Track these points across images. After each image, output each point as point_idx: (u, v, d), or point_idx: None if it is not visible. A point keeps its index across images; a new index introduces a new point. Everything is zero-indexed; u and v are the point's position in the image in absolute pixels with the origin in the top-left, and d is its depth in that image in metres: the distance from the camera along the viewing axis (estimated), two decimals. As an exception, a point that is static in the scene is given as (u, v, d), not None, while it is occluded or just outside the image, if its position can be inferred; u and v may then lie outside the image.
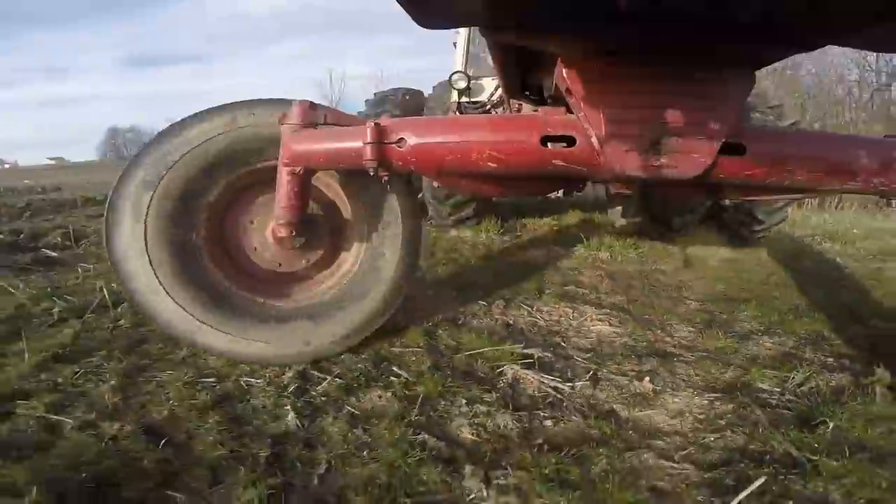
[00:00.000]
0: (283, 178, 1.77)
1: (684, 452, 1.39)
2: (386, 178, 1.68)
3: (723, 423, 1.54)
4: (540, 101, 2.42)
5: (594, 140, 1.37)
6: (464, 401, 1.62)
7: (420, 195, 4.77)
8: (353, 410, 1.57)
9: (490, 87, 4.69)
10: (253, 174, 1.90)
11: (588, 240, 3.91)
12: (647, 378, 1.80)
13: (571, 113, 1.55)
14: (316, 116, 1.79)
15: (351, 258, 2.15)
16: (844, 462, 1.30)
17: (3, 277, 2.65)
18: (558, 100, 1.73)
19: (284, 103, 1.85)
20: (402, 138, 1.58)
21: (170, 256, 1.78)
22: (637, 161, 1.34)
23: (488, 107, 4.62)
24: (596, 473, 1.29)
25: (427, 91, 5.72)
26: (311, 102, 1.80)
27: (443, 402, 1.62)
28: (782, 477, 1.26)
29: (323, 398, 1.64)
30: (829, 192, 1.68)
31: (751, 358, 2.01)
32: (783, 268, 3.26)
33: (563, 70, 1.33)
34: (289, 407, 1.55)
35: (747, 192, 1.82)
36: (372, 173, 1.63)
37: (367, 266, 2.12)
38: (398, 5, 1.00)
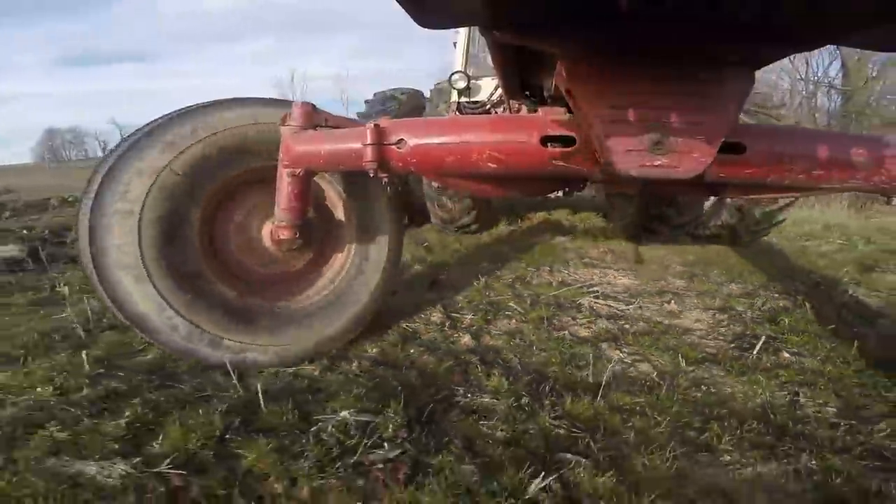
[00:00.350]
0: (284, 179, 1.78)
1: (710, 337, 2.41)
2: (385, 179, 1.69)
3: (725, 324, 2.57)
4: (540, 101, 2.42)
5: (594, 140, 1.38)
6: (569, 317, 2.58)
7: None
8: (500, 332, 2.38)
9: (490, 87, 4.69)
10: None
11: (577, 228, 5.14)
12: (671, 303, 2.86)
13: (571, 113, 1.55)
14: (317, 118, 1.79)
15: (340, 260, 2.18)
16: (800, 336, 2.37)
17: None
18: (558, 100, 1.73)
19: (285, 104, 1.86)
20: (401, 139, 1.58)
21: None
22: (637, 161, 1.34)
23: (488, 107, 4.61)
24: (667, 346, 2.24)
25: (426, 91, 5.72)
26: (312, 104, 1.80)
27: (556, 319, 2.55)
28: (771, 342, 2.28)
29: (473, 327, 2.43)
30: (829, 190, 1.68)
31: (727, 294, 3.07)
32: (732, 249, 4.39)
33: (563, 70, 1.33)
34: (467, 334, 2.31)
35: (747, 190, 1.82)
36: (372, 174, 1.63)
37: (356, 269, 2.16)
38: (389, 6, 1.00)
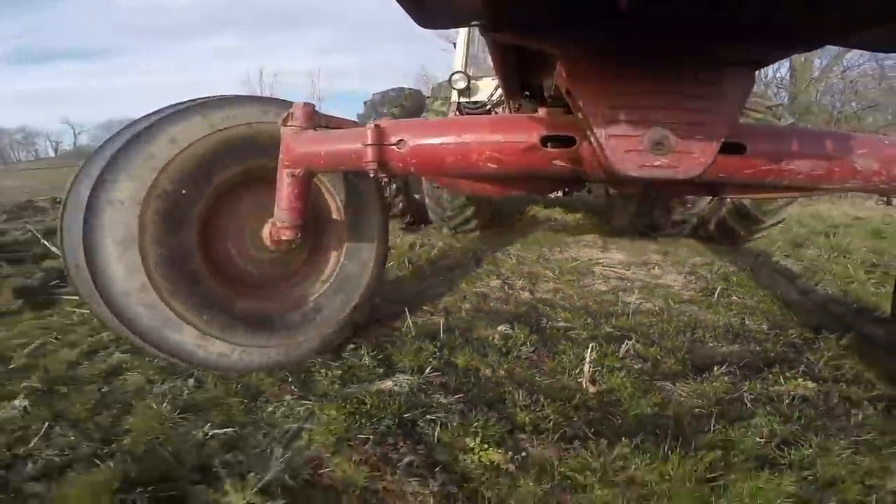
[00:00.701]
0: (284, 180, 1.78)
1: (685, 289, 3.42)
2: (385, 180, 1.69)
3: (693, 281, 3.60)
4: (540, 101, 2.42)
5: (594, 140, 1.37)
6: (589, 279, 3.58)
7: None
8: (546, 289, 3.32)
9: (490, 87, 4.69)
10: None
11: (567, 221, 6.11)
12: (655, 269, 3.89)
13: (571, 113, 1.55)
14: (317, 119, 1.79)
15: (333, 261, 2.18)
16: (744, 288, 3.41)
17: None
18: (558, 100, 1.73)
19: (286, 104, 1.86)
20: (401, 140, 1.58)
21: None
22: (637, 161, 1.33)
23: (488, 107, 4.61)
24: (659, 294, 3.23)
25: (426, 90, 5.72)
26: (312, 105, 1.80)
27: (581, 281, 3.52)
28: (725, 291, 3.28)
29: (525, 288, 3.33)
30: (829, 190, 1.67)
31: (693, 264, 4.05)
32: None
33: (563, 70, 1.33)
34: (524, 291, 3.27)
35: (747, 190, 1.82)
36: (372, 175, 1.63)
37: (348, 270, 2.17)
38: (389, 5, 1.00)
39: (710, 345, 2.47)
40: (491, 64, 2.95)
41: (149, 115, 1.81)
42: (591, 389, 1.96)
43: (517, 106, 2.77)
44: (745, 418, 1.77)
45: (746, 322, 2.77)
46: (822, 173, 1.53)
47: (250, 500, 1.30)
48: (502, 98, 4.24)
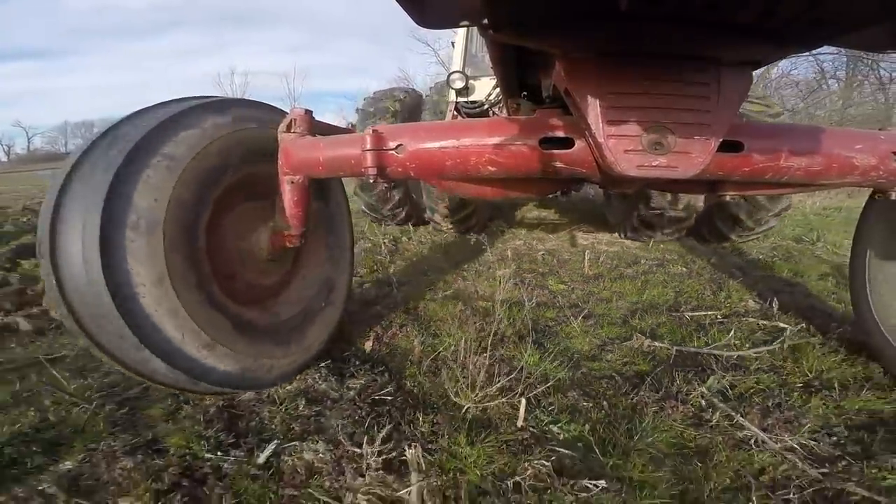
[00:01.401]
0: (284, 186, 1.77)
1: (640, 250, 4.58)
2: (386, 185, 1.69)
3: (674, 256, 4.31)
4: (538, 101, 2.41)
5: (592, 141, 1.37)
6: (602, 257, 4.19)
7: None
8: (570, 263, 4.04)
9: (488, 87, 4.68)
10: None
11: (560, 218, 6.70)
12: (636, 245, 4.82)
13: (570, 114, 1.55)
14: (315, 125, 1.79)
15: (312, 269, 2.18)
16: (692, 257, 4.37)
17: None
18: (557, 100, 1.73)
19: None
20: (400, 144, 1.58)
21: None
22: (636, 161, 1.33)
23: (486, 107, 4.61)
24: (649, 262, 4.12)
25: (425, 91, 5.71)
26: (310, 111, 1.80)
27: (595, 259, 4.06)
28: (690, 261, 4.15)
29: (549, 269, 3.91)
30: (827, 186, 1.68)
31: (662, 248, 4.66)
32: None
33: (562, 70, 1.33)
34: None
35: (746, 187, 1.82)
36: (372, 181, 1.63)
37: (326, 277, 2.18)
38: (389, 4, 1.00)
39: (696, 308, 2.92)
40: (489, 64, 2.95)
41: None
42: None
43: (515, 106, 2.77)
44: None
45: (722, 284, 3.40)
46: (819, 169, 1.53)
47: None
48: (500, 98, 4.23)
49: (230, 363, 1.66)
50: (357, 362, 2.06)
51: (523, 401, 1.68)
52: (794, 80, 17.62)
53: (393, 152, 1.58)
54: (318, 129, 1.82)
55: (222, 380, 1.65)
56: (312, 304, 2.09)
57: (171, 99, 1.70)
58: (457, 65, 4.96)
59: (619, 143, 1.33)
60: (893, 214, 1.97)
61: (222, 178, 1.69)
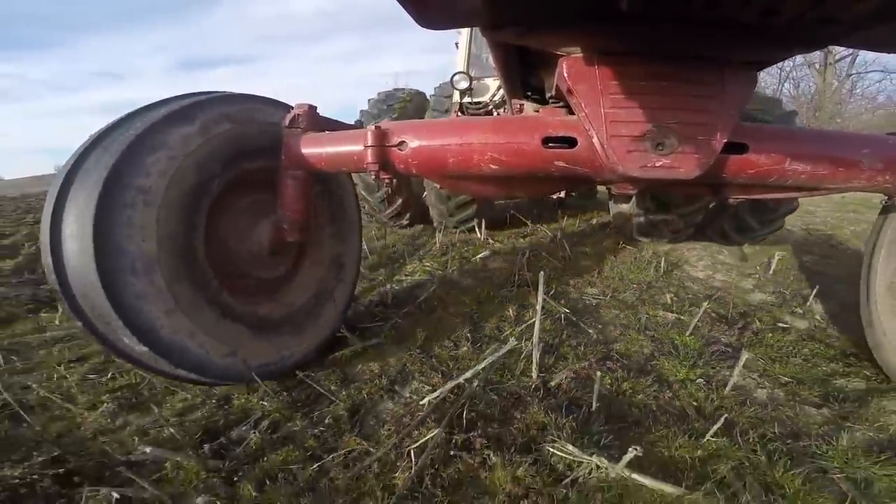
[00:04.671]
0: (286, 181, 1.77)
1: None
2: (387, 181, 1.68)
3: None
4: (541, 101, 2.41)
5: (596, 141, 1.37)
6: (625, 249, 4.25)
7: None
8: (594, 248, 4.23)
9: (492, 87, 4.68)
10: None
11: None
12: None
13: (573, 113, 1.54)
14: (319, 120, 1.79)
15: (319, 265, 2.16)
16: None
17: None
18: (559, 100, 1.73)
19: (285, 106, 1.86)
20: (403, 141, 1.58)
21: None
22: (639, 162, 1.33)
23: (490, 107, 4.60)
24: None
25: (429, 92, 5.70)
26: (314, 106, 1.80)
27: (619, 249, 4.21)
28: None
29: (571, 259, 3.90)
30: (832, 190, 1.66)
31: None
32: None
33: (565, 70, 1.33)
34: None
35: (750, 190, 1.80)
36: (373, 177, 1.63)
37: (335, 254, 2.18)
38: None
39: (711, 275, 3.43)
40: (493, 64, 2.95)
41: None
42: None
43: (519, 106, 2.77)
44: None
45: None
46: (825, 173, 1.52)
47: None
48: (504, 98, 4.23)
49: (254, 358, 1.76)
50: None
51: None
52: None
53: (395, 149, 1.58)
54: (322, 124, 1.82)
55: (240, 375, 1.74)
56: (324, 284, 2.11)
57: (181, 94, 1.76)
58: (460, 65, 4.96)
59: (622, 143, 1.33)
60: None
61: (220, 178, 1.70)
